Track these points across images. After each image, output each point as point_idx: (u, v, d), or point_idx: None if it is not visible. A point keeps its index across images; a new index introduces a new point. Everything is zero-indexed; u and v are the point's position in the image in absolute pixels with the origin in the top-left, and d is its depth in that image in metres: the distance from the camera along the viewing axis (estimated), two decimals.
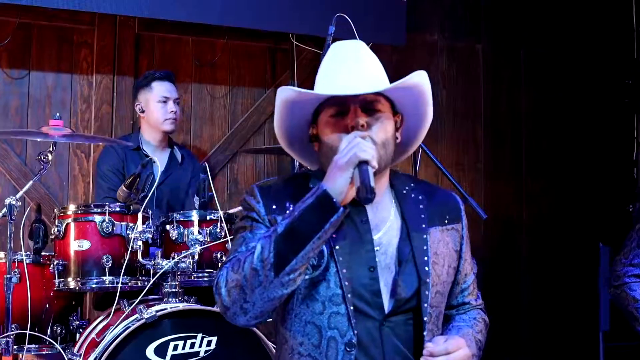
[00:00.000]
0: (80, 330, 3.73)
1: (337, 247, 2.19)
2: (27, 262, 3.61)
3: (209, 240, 3.66)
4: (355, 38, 4.18)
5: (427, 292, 2.23)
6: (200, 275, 3.67)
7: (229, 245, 3.69)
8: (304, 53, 5.72)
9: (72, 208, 3.61)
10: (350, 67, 2.28)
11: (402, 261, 2.26)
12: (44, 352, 3.67)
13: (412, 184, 2.42)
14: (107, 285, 3.52)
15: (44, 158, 3.58)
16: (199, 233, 3.64)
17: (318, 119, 2.31)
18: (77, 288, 3.54)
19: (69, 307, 3.78)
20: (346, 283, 2.17)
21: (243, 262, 2.11)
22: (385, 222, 2.31)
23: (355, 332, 2.16)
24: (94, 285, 3.53)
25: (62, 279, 3.55)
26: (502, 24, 6.34)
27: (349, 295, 2.17)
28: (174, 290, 3.52)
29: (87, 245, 3.53)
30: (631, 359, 5.57)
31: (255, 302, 2.11)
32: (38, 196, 4.98)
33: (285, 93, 2.26)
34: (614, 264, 3.50)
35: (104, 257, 3.51)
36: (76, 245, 3.54)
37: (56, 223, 3.60)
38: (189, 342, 3.30)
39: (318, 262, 2.19)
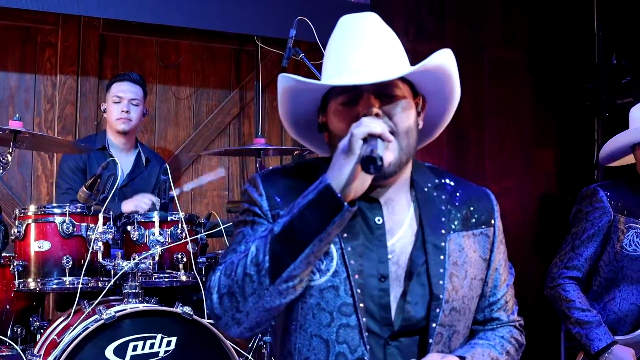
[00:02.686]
0: (41, 331, 3.71)
1: (348, 249, 1.93)
2: None
3: (169, 241, 3.67)
4: (316, 41, 4.27)
5: (437, 310, 1.95)
6: (160, 276, 3.69)
7: (190, 247, 3.71)
8: (268, 55, 5.75)
9: (32, 209, 3.58)
10: (360, 47, 2.00)
11: (413, 273, 1.97)
12: (3, 354, 3.64)
13: (437, 180, 2.12)
14: (68, 286, 3.50)
15: (3, 159, 3.55)
16: (160, 234, 3.66)
17: (327, 107, 2.03)
18: (37, 289, 3.52)
19: (29, 308, 3.77)
20: (358, 291, 1.91)
21: (236, 266, 1.85)
22: (401, 226, 2.02)
23: (368, 347, 1.91)
24: (54, 286, 3.51)
25: (22, 280, 3.53)
26: (466, 26, 6.40)
27: (361, 305, 1.91)
28: (134, 290, 3.51)
29: (47, 246, 3.51)
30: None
31: (249, 312, 1.85)
32: (0, 196, 4.96)
33: (285, 82, 1.99)
34: (550, 266, 3.58)
35: (65, 257, 3.48)
36: (36, 246, 3.52)
37: (16, 224, 3.59)
38: (148, 342, 3.29)
39: (326, 265, 1.92)
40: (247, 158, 5.71)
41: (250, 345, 4.21)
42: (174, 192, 3.76)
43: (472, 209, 2.11)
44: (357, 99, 1.95)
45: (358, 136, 1.80)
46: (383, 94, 1.95)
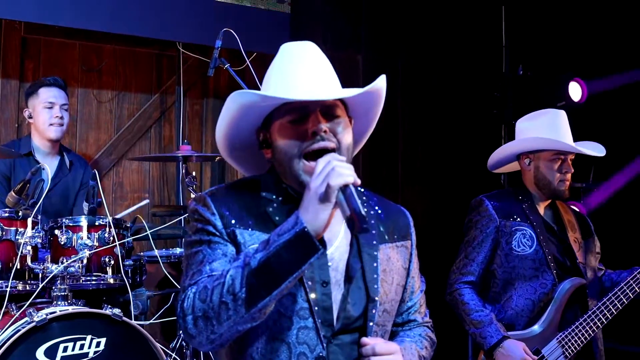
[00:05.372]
0: None
1: None
2: None
3: (97, 244, 3.75)
4: (240, 50, 4.40)
5: (374, 311, 2.16)
6: (88, 278, 3.76)
7: (117, 250, 3.80)
8: (189, 60, 5.83)
9: None
10: (310, 70, 2.18)
11: (352, 278, 2.16)
12: None
13: (364, 197, 2.33)
14: None
15: None
16: (88, 238, 3.74)
17: (271, 125, 2.19)
18: None
19: None
20: (312, 295, 2.09)
21: (211, 293, 1.97)
22: (337, 236, 2.21)
23: (324, 345, 2.10)
24: None
25: None
26: (381, 36, 6.60)
27: (316, 308, 2.10)
28: (63, 293, 3.58)
29: None
30: None
31: (223, 333, 2.00)
32: None
33: (246, 97, 2.12)
34: (449, 273, 3.85)
35: None
36: None
37: None
38: (78, 343, 3.36)
39: None
40: (168, 162, 5.79)
41: (172, 345, 4.31)
42: (102, 197, 3.83)
43: (394, 224, 2.35)
44: (305, 117, 2.13)
45: (335, 187, 1.94)
46: (328, 113, 2.14)
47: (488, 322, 3.64)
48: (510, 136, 6.51)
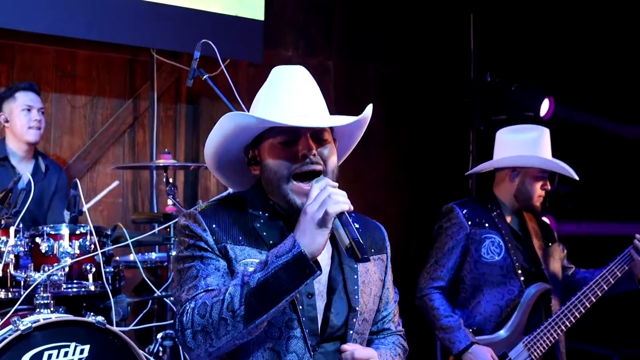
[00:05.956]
0: None
1: None
2: None
3: (78, 252, 3.82)
4: (217, 58, 4.44)
5: (354, 320, 2.30)
6: (70, 286, 3.83)
7: (98, 258, 3.86)
8: (163, 66, 5.87)
9: None
10: (303, 95, 2.29)
11: (334, 289, 2.30)
12: None
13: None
14: None
15: None
16: (69, 246, 3.79)
17: (261, 144, 2.29)
18: None
19: None
20: (300, 307, 2.21)
21: (210, 309, 2.08)
22: None
23: (312, 353, 2.22)
24: None
25: None
26: (353, 41, 6.71)
27: (304, 319, 2.22)
28: (45, 301, 3.61)
29: None
30: None
31: (221, 347, 2.11)
32: None
33: (244, 119, 2.23)
34: (418, 278, 3.97)
35: None
36: None
37: None
38: (62, 350, 3.39)
39: None
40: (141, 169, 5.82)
41: (149, 350, 4.38)
42: (84, 206, 3.89)
43: (371, 239, 2.50)
44: (296, 140, 2.24)
45: (332, 215, 2.07)
46: (317, 137, 2.27)
47: (457, 328, 3.76)
48: (479, 141, 6.67)
